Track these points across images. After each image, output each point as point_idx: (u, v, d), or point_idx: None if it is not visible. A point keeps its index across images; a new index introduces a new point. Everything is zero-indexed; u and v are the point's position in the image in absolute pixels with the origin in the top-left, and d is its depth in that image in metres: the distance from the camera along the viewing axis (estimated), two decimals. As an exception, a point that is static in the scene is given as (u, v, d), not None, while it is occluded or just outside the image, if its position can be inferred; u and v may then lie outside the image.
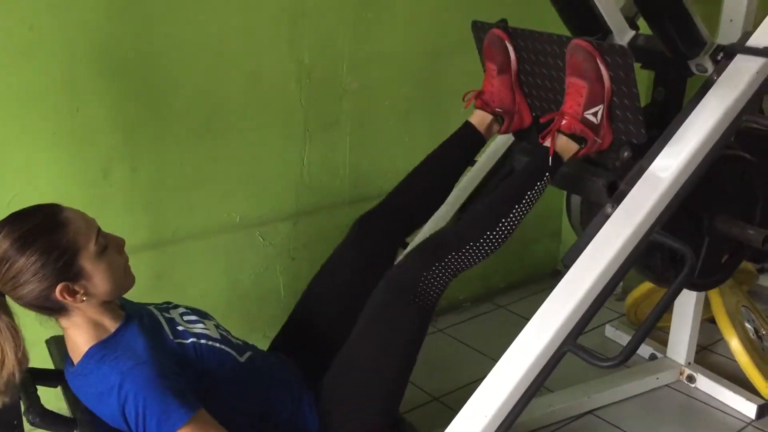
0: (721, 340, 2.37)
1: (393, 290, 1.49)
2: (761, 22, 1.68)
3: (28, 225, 1.26)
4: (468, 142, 1.84)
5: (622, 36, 1.83)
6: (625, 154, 1.64)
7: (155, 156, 2.04)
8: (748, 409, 2.20)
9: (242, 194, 2.22)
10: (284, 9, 2.15)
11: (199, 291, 2.20)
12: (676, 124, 1.63)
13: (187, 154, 2.08)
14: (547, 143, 1.61)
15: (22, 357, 1.27)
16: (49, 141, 1.87)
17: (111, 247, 1.34)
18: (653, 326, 1.54)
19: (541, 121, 1.72)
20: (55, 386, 1.48)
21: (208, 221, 2.18)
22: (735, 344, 2.25)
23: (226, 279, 2.27)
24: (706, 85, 1.67)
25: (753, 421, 2.18)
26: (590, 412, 2.21)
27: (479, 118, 1.82)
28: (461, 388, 2.24)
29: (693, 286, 2.05)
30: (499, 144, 2.09)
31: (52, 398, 1.43)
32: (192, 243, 2.16)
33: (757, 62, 1.61)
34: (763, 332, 2.37)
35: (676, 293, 1.57)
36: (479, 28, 1.89)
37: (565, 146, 1.61)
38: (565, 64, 1.64)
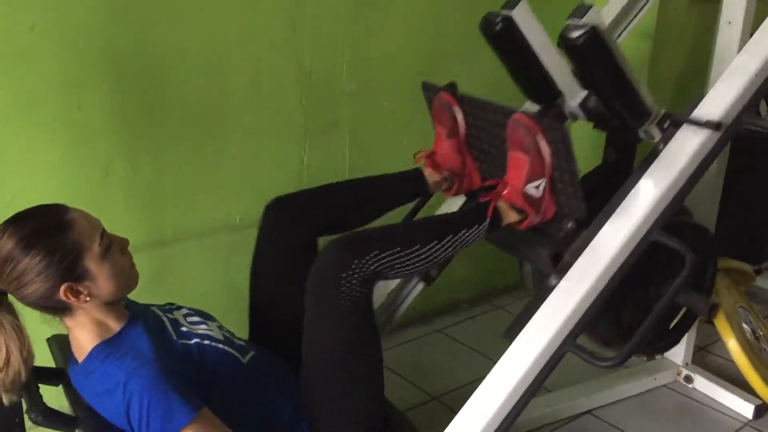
0: (718, 340, 2.38)
1: (321, 294, 1.42)
2: (760, 25, 1.69)
3: (32, 225, 1.27)
4: (412, 188, 1.83)
5: (574, 97, 1.81)
6: (569, 225, 1.60)
7: (155, 156, 2.04)
8: (745, 409, 2.22)
9: (242, 194, 2.23)
10: (284, 10, 2.15)
11: (198, 291, 2.20)
12: (622, 195, 1.61)
13: (188, 154, 2.09)
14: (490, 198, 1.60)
15: (28, 356, 1.28)
16: (49, 140, 1.87)
17: (115, 248, 1.34)
18: (651, 328, 1.55)
19: (485, 183, 1.72)
20: (57, 384, 1.49)
21: (208, 221, 2.18)
22: (733, 345, 2.26)
23: (226, 279, 2.27)
24: (652, 155, 1.64)
25: (750, 421, 2.20)
26: (588, 411, 2.22)
27: (429, 174, 1.82)
28: (459, 388, 2.25)
29: (641, 354, 2.03)
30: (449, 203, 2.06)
31: (52, 397, 1.43)
32: (192, 243, 2.17)
33: (701, 134, 1.58)
34: (761, 333, 2.38)
35: (673, 296, 1.57)
36: (429, 89, 1.88)
37: (507, 212, 1.59)
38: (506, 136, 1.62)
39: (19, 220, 1.28)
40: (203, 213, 2.17)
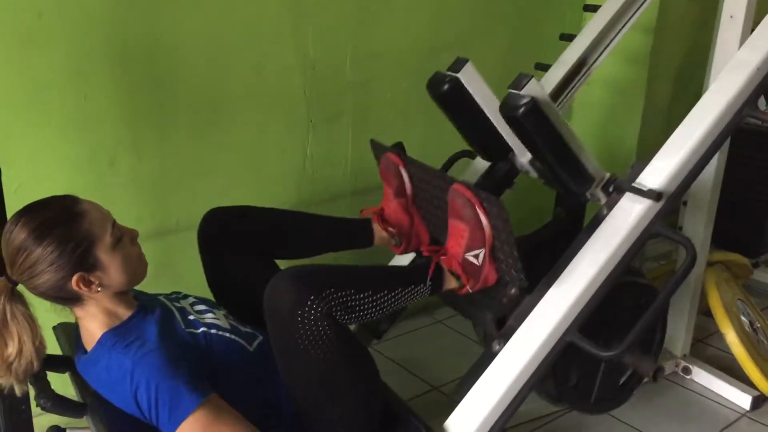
0: (715, 332, 2.40)
1: (277, 323, 1.38)
2: (762, 19, 1.70)
3: (45, 215, 1.28)
4: (356, 237, 1.82)
5: (523, 154, 1.83)
6: (512, 291, 1.60)
7: (160, 146, 2.05)
8: (742, 400, 2.24)
9: (245, 184, 2.24)
10: (289, 1, 2.16)
11: (201, 280, 2.20)
12: (564, 263, 1.61)
13: (192, 144, 2.10)
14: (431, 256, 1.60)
15: (40, 345, 1.29)
16: (55, 130, 1.88)
17: (125, 239, 1.36)
18: (652, 320, 1.57)
19: (423, 249, 1.72)
20: (64, 372, 1.51)
21: (212, 211, 2.19)
22: (731, 337, 2.28)
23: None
24: (597, 219, 1.65)
25: (747, 412, 2.22)
26: (588, 402, 2.24)
27: (377, 230, 1.81)
28: (460, 377, 2.27)
29: (588, 411, 1.99)
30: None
31: (59, 384, 1.45)
32: (195, 232, 2.17)
33: (642, 203, 1.57)
34: (758, 325, 2.41)
35: (672, 293, 1.58)
36: (376, 148, 1.90)
37: (448, 277, 1.59)
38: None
39: (31, 210, 1.29)
40: (207, 202, 2.15)
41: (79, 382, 1.43)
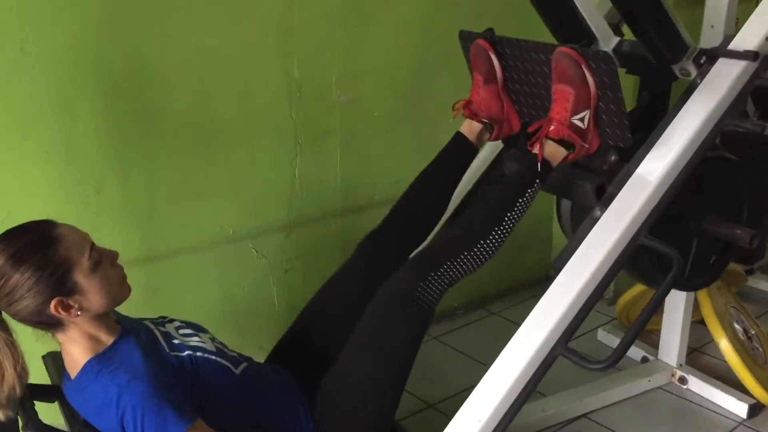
0: (711, 341, 2.39)
1: (390, 300, 1.52)
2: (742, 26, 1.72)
3: (22, 241, 1.28)
4: (461, 152, 1.87)
5: (607, 42, 1.86)
6: (612, 157, 1.67)
7: (148, 171, 2.05)
8: (739, 408, 2.23)
9: (235, 207, 2.24)
10: (274, 23, 2.17)
11: (193, 304, 2.21)
12: (662, 128, 1.66)
13: (180, 168, 2.10)
14: (536, 150, 1.63)
15: (22, 371, 1.29)
16: (42, 158, 1.89)
17: (104, 261, 1.35)
18: (642, 328, 1.57)
19: (529, 130, 1.75)
20: (53, 401, 1.49)
21: (202, 234, 2.20)
22: (724, 345, 2.28)
23: (220, 291, 2.28)
24: (690, 89, 1.70)
25: (744, 420, 2.21)
26: (584, 415, 2.23)
27: (469, 128, 1.85)
28: (456, 395, 2.26)
29: (683, 287, 2.08)
30: (489, 150, 2.12)
31: (48, 414, 1.44)
32: (185, 256, 2.18)
33: (738, 65, 1.65)
34: (752, 332, 2.40)
35: (664, 296, 1.60)
36: (466, 38, 1.92)
37: (554, 152, 1.64)
38: (551, 72, 1.67)
39: (8, 237, 1.30)
40: (196, 227, 2.18)
41: (67, 411, 1.43)
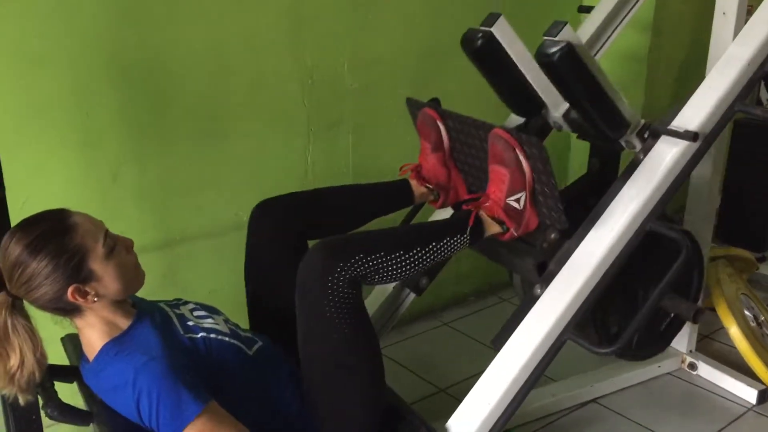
0: (722, 328, 2.40)
1: (308, 292, 1.45)
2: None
3: (38, 230, 1.31)
4: (397, 197, 1.88)
5: (557, 108, 1.85)
6: (552, 235, 1.64)
7: (163, 158, 2.08)
8: (749, 394, 2.24)
9: (248, 194, 2.24)
10: (285, 12, 2.19)
11: (207, 290, 2.24)
12: (603, 205, 1.66)
13: (194, 155, 2.13)
14: (471, 208, 1.63)
15: (41, 357, 1.32)
16: (59, 146, 1.92)
17: (119, 248, 1.38)
18: (649, 315, 1.58)
19: (468, 197, 1.76)
20: (71, 382, 1.53)
21: (216, 221, 2.23)
22: (734, 331, 2.28)
23: (234, 278, 2.27)
24: (633, 165, 1.69)
25: (754, 406, 2.22)
26: (594, 400, 2.25)
27: (415, 186, 1.87)
28: (467, 379, 2.28)
29: (632, 357, 2.07)
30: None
31: (67, 394, 1.48)
32: (200, 243, 2.21)
33: (679, 145, 1.62)
34: (763, 319, 2.41)
35: (669, 286, 1.60)
36: (413, 105, 1.95)
37: (489, 225, 1.63)
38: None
39: (24, 226, 1.33)
40: (210, 213, 2.21)
41: (85, 391, 1.46)
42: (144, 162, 2.06)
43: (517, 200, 1.60)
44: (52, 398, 1.39)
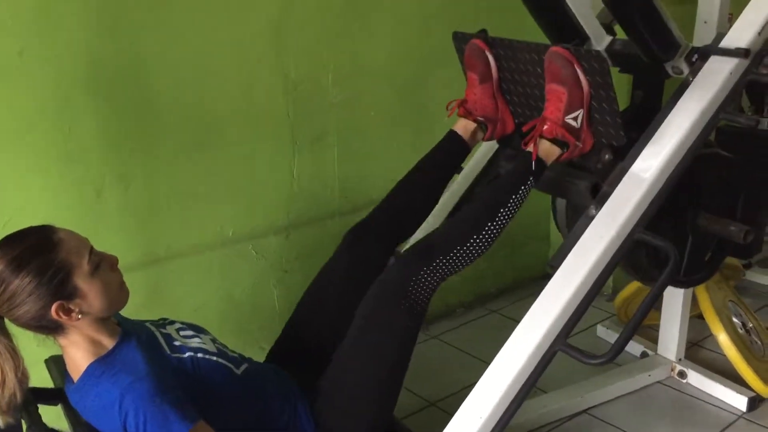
0: (710, 335, 2.40)
1: (383, 296, 1.53)
2: (734, 22, 1.73)
3: (21, 247, 1.29)
4: (453, 150, 1.88)
5: (600, 42, 1.87)
6: (606, 156, 1.68)
7: (147, 173, 2.06)
8: (738, 402, 2.24)
9: (234, 208, 2.25)
10: (269, 23, 2.18)
11: (194, 306, 2.22)
12: (655, 126, 1.68)
13: (179, 170, 2.11)
14: (530, 149, 1.65)
15: (22, 377, 1.29)
16: (42, 163, 1.89)
17: (104, 265, 1.36)
18: (640, 323, 1.58)
19: (523, 129, 1.77)
20: (56, 404, 1.50)
21: (201, 236, 2.21)
22: (723, 339, 2.29)
23: (221, 293, 2.29)
24: (683, 87, 1.72)
25: (744, 413, 2.22)
26: (584, 411, 2.24)
27: (463, 126, 1.86)
28: (457, 392, 2.27)
29: (678, 284, 2.09)
30: (484, 151, 2.13)
31: (52, 417, 1.45)
32: (186, 258, 2.19)
33: (730, 62, 1.67)
34: (751, 326, 2.41)
35: (661, 291, 1.60)
36: (460, 39, 1.93)
37: (548, 150, 1.66)
38: (543, 71, 1.68)
39: (8, 242, 1.30)
40: (196, 228, 2.19)
41: (70, 414, 1.43)
42: (127, 177, 2.03)
43: (575, 118, 1.63)
44: (36, 422, 1.37)
